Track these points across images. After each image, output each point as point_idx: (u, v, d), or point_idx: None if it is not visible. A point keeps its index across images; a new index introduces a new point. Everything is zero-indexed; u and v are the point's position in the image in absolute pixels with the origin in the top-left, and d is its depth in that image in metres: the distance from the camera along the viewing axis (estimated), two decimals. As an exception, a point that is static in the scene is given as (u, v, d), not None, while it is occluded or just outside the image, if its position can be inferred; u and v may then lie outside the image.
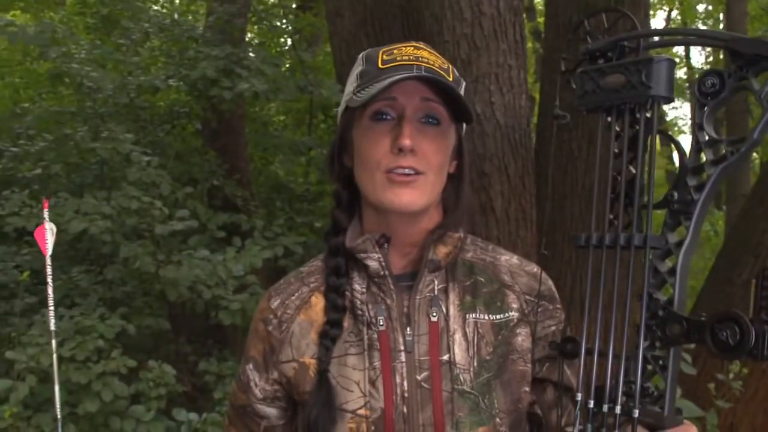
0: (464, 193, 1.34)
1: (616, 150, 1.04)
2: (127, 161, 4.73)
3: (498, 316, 1.31)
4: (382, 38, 4.49)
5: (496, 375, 1.27)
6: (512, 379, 1.29)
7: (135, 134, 5.08)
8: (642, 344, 0.96)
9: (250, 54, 5.59)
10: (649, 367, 0.98)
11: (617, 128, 1.04)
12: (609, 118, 1.04)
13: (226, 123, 6.34)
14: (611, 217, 1.02)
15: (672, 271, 0.99)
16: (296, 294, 1.35)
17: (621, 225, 1.02)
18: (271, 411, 1.38)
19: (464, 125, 1.34)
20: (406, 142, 1.21)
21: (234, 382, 1.43)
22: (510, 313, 1.32)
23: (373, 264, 1.28)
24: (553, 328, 1.34)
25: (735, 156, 0.98)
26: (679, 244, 1.00)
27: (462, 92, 1.27)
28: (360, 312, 1.28)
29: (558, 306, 1.36)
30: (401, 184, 1.22)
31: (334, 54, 5.00)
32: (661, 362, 0.97)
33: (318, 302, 1.33)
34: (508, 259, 1.39)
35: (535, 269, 1.37)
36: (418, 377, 1.25)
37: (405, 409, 1.23)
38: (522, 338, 1.31)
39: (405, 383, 1.24)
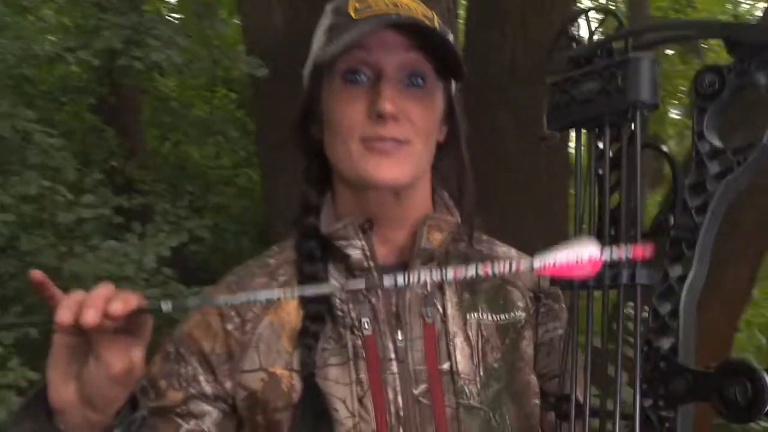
0: (461, 166, 1.17)
1: (600, 171, 0.88)
2: (25, 141, 4.32)
3: (503, 316, 1.15)
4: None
5: (506, 386, 1.11)
6: (522, 391, 1.13)
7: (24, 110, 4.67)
8: (638, 402, 0.83)
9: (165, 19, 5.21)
10: (654, 430, 0.83)
11: (598, 145, 0.89)
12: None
13: (124, 99, 5.96)
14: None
15: (674, 313, 0.84)
16: (247, 302, 1.13)
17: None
18: (210, 410, 1.12)
19: (454, 83, 1.16)
20: (387, 106, 1.04)
21: (161, 381, 1.14)
22: (516, 312, 1.16)
23: (355, 254, 1.10)
24: (560, 331, 1.18)
25: (743, 166, 0.85)
26: (682, 279, 0.85)
27: (451, 41, 1.10)
28: (340, 313, 1.10)
29: (563, 305, 1.21)
30: (382, 154, 1.05)
31: (242, 18, 4.69)
32: (667, 425, 0.83)
33: (289, 301, 1.13)
34: (506, 251, 1.24)
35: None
36: (415, 391, 1.08)
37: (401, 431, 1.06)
38: (527, 343, 1.16)
39: (399, 399, 1.07)
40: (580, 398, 0.88)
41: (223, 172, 6.24)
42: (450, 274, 0.77)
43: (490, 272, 0.76)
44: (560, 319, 1.18)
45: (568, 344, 0.93)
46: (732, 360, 0.77)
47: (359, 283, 0.97)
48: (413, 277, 0.82)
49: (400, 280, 0.81)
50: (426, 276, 0.84)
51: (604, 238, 0.88)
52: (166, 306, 0.87)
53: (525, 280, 1.19)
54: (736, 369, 0.77)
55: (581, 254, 0.74)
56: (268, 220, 4.46)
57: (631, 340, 0.84)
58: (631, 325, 0.85)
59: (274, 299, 1.11)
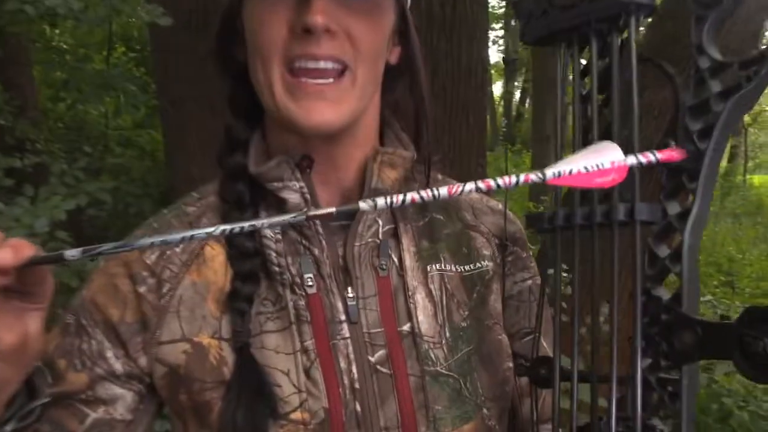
0: (418, 94, 0.99)
1: (583, 91, 0.74)
2: None
3: (468, 267, 0.99)
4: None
5: (477, 348, 0.96)
6: (494, 354, 0.97)
7: None
8: (639, 363, 0.68)
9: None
10: (654, 395, 0.71)
11: (581, 61, 0.75)
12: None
13: (11, 50, 5.50)
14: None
15: (676, 256, 0.71)
16: (182, 244, 0.96)
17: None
18: (122, 393, 0.93)
19: None
20: (317, 18, 0.84)
21: (59, 360, 0.94)
22: (483, 262, 1.01)
23: (292, 197, 0.92)
24: (529, 282, 1.04)
25: (754, 82, 0.72)
26: (684, 215, 0.72)
27: None
28: (276, 269, 0.92)
29: (530, 254, 1.06)
30: (312, 95, 0.87)
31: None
32: (670, 388, 0.70)
33: (216, 255, 0.94)
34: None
35: (500, 205, 1.07)
36: (371, 358, 0.91)
37: (358, 407, 0.89)
38: (495, 297, 1.00)
39: (353, 368, 0.90)
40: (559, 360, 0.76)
41: (123, 133, 5.90)
42: (443, 191, 0.62)
43: (481, 186, 0.62)
44: (529, 269, 1.04)
45: (544, 296, 0.80)
46: (758, 307, 0.65)
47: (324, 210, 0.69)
48: (396, 199, 0.64)
49: (381, 201, 0.64)
50: (413, 195, 0.64)
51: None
52: (71, 254, 0.67)
53: (489, 224, 1.04)
54: (764, 316, 0.64)
55: (602, 160, 0.61)
56: (172, 182, 4.22)
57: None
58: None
59: (195, 254, 0.94)
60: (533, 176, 0.61)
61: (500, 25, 18.97)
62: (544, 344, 1.00)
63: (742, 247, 10.14)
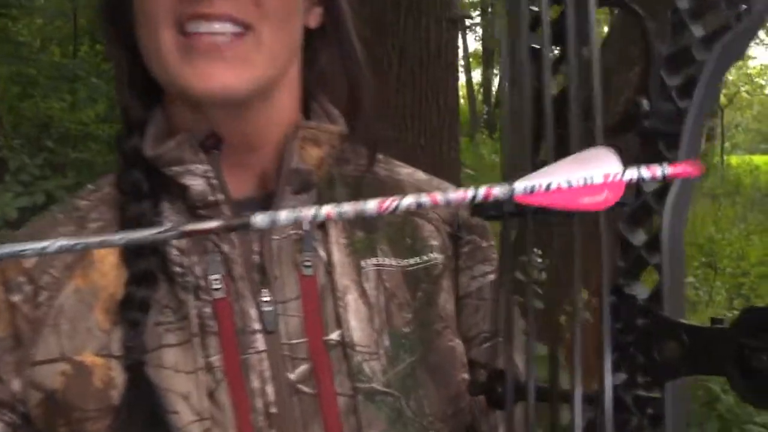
0: (347, 59, 0.85)
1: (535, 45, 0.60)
2: None
3: (412, 261, 0.84)
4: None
5: (422, 358, 0.80)
6: (444, 364, 0.82)
7: None
8: (610, 380, 0.54)
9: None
10: (632, 419, 0.55)
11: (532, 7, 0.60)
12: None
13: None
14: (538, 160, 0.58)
15: (654, 244, 0.56)
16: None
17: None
18: None
19: None
20: None
21: None
22: (430, 254, 0.85)
23: (195, 183, 0.77)
24: (491, 277, 0.88)
25: (743, 23, 0.57)
26: (662, 193, 0.57)
27: None
28: (178, 269, 0.77)
29: (492, 243, 0.90)
30: (206, 53, 0.72)
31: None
32: (650, 410, 0.55)
33: (106, 255, 0.79)
34: (411, 173, 0.92)
35: (453, 188, 0.90)
36: (291, 375, 0.76)
37: None
38: (446, 296, 0.85)
39: (269, 389, 0.75)
40: (520, 375, 0.60)
41: (86, 128, 5.68)
42: (372, 205, 0.43)
43: (424, 201, 0.44)
44: (491, 261, 0.88)
45: (501, 294, 0.65)
46: (758, 308, 0.50)
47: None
48: (306, 213, 0.46)
49: (283, 216, 0.45)
50: (328, 210, 0.47)
51: (545, 138, 0.59)
52: None
53: (439, 209, 0.88)
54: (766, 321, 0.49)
55: (591, 172, 0.45)
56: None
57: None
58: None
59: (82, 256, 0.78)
60: (498, 191, 0.45)
61: (477, 12, 18.79)
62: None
63: (722, 227, 10.06)
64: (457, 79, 3.48)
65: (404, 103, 3.40)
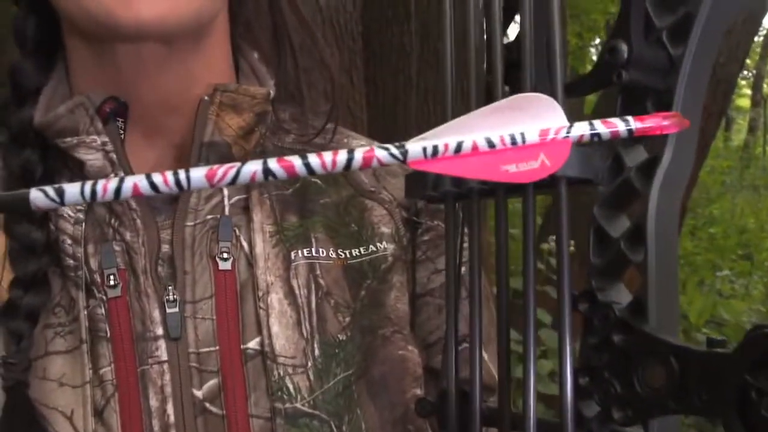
0: (279, 9, 0.71)
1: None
2: None
3: (355, 252, 0.70)
4: None
5: (362, 371, 0.67)
6: (389, 377, 0.68)
7: None
8: (569, 411, 0.40)
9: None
10: (604, 468, 0.41)
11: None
12: None
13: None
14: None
15: (637, 234, 0.42)
16: None
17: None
18: None
19: None
20: None
21: None
22: (378, 244, 0.71)
23: (91, 158, 0.65)
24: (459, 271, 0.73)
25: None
26: (649, 166, 0.42)
27: None
28: (70, 262, 0.64)
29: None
30: None
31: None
32: (629, 456, 0.41)
33: None
34: (364, 146, 0.76)
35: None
36: (197, 392, 0.63)
37: None
38: (397, 294, 0.71)
39: (169, 408, 0.61)
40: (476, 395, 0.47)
41: None
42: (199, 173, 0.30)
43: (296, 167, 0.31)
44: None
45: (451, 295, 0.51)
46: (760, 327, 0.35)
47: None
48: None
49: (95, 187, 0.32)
50: (135, 180, 0.32)
51: (496, 95, 0.45)
52: None
53: (395, 190, 0.73)
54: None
55: (521, 127, 0.31)
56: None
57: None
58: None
59: None
60: (383, 154, 0.31)
61: None
62: (486, 357, 0.69)
63: (762, 219, 9.73)
64: (483, 60, 3.33)
65: (426, 87, 3.26)
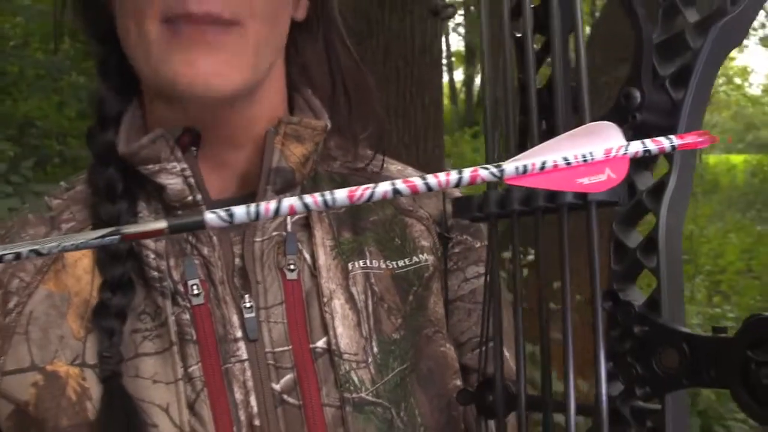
0: (333, 51, 0.80)
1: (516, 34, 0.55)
2: None
3: (401, 263, 0.78)
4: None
5: (414, 366, 0.75)
6: (435, 370, 0.76)
7: None
8: (604, 391, 0.49)
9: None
10: (629, 431, 0.50)
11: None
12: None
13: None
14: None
15: (650, 245, 0.51)
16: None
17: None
18: None
19: None
20: None
21: None
22: (421, 255, 0.79)
23: (172, 183, 0.72)
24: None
25: (739, 5, 0.52)
26: (658, 190, 0.52)
27: None
28: (155, 274, 0.72)
29: (485, 243, 0.83)
30: (194, 44, 0.67)
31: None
32: (650, 423, 0.50)
33: (80, 257, 0.74)
34: (401, 170, 0.85)
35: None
36: (276, 386, 0.70)
37: None
38: (435, 299, 0.79)
39: (252, 400, 0.70)
40: (511, 383, 0.56)
41: (72, 125, 5.55)
42: (341, 195, 0.37)
43: (401, 188, 0.39)
44: (484, 262, 0.79)
45: (489, 298, 0.60)
46: (764, 318, 0.45)
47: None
48: (265, 209, 0.39)
49: (241, 212, 0.38)
50: (291, 203, 0.40)
51: (531, 132, 0.54)
52: None
53: (430, 208, 0.82)
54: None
55: (591, 148, 0.39)
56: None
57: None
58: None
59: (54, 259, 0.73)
60: (485, 173, 0.39)
61: (461, 11, 18.73)
62: (507, 355, 0.75)
63: (700, 225, 10.05)
64: (441, 77, 3.43)
65: (388, 102, 3.35)
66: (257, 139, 0.75)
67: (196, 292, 0.71)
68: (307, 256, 0.74)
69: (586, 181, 0.41)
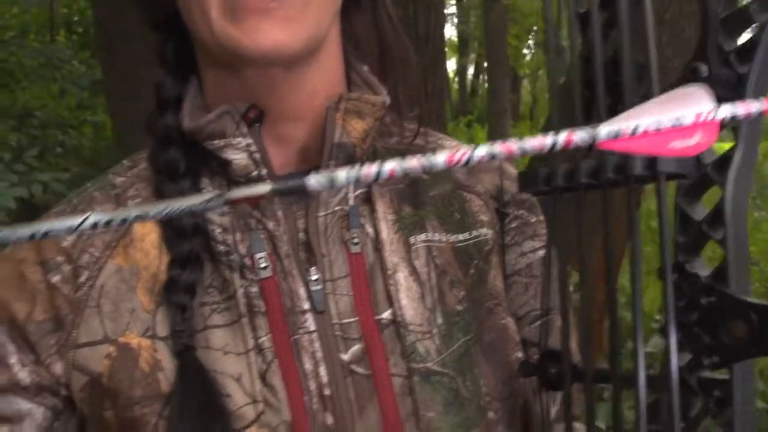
0: (382, 26, 0.79)
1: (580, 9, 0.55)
2: None
3: (461, 236, 0.78)
4: None
5: (476, 337, 0.75)
6: (497, 342, 0.77)
7: None
8: (675, 361, 0.49)
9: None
10: (696, 401, 0.51)
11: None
12: None
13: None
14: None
15: (716, 217, 0.52)
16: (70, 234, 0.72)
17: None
18: (30, 409, 0.72)
19: None
20: None
21: None
22: (480, 229, 0.79)
23: (238, 157, 0.72)
24: (542, 253, 0.82)
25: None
26: (723, 163, 0.52)
27: None
28: (222, 248, 0.72)
29: (541, 218, 0.83)
30: (256, 13, 0.66)
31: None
32: (717, 392, 0.51)
33: (146, 233, 0.75)
34: (455, 145, 0.85)
35: (498, 162, 0.85)
36: (344, 356, 0.71)
37: (329, 419, 0.69)
38: (494, 273, 0.79)
39: (322, 370, 0.70)
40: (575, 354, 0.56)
41: (74, 115, 5.54)
42: (440, 158, 0.37)
43: (498, 151, 0.38)
44: (540, 237, 0.82)
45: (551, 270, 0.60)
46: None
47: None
48: (366, 171, 0.38)
49: (342, 175, 0.37)
50: (391, 166, 0.39)
51: (597, 108, 0.54)
52: None
53: (487, 183, 0.82)
54: None
55: (682, 112, 0.40)
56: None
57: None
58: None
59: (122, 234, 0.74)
60: (579, 136, 0.39)
61: (453, 1, 18.68)
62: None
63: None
64: (445, 66, 3.42)
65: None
66: (317, 114, 0.75)
67: (263, 265, 0.71)
68: (370, 230, 0.75)
69: (677, 144, 0.41)
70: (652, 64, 0.52)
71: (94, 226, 0.36)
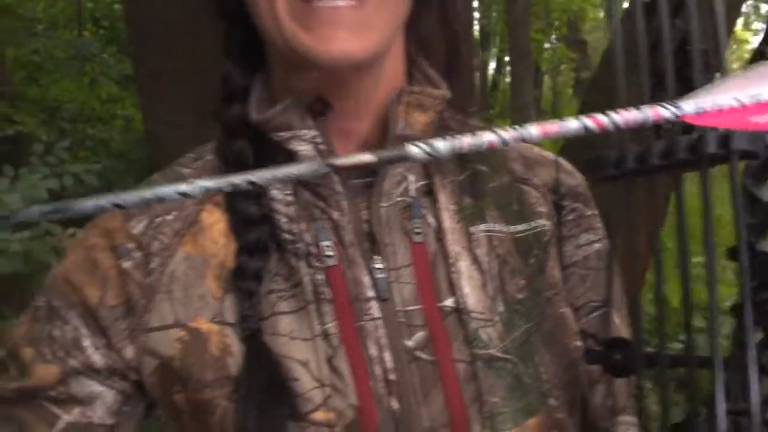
0: (448, 24, 0.81)
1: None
2: None
3: (521, 227, 0.80)
4: None
5: (536, 325, 0.76)
6: (556, 331, 0.78)
7: None
8: (751, 342, 0.50)
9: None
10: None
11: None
12: None
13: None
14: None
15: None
16: (175, 210, 0.77)
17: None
18: (102, 391, 0.74)
19: None
20: None
21: (26, 349, 0.75)
22: (539, 221, 0.81)
23: (303, 149, 0.73)
24: (597, 246, 0.83)
25: None
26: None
27: None
28: (288, 237, 0.74)
29: (596, 211, 0.84)
30: (329, 22, 0.68)
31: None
32: (789, 371, 0.51)
33: (214, 222, 0.77)
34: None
35: (553, 156, 0.86)
36: (408, 342, 0.72)
37: (395, 404, 0.70)
38: (552, 264, 0.81)
39: (387, 356, 0.72)
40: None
41: (104, 107, 5.58)
42: (534, 130, 0.39)
43: (588, 123, 0.39)
44: (596, 229, 0.83)
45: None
46: None
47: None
48: (463, 142, 0.42)
49: (441, 145, 0.42)
50: (490, 138, 0.42)
51: (665, 90, 0.55)
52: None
53: (544, 176, 0.83)
54: None
55: (760, 89, 0.40)
56: (152, 158, 3.98)
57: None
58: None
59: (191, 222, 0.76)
60: (665, 111, 0.40)
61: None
62: (616, 320, 0.81)
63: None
64: (472, 56, 3.42)
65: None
66: (379, 109, 0.76)
67: (329, 253, 0.73)
68: (432, 221, 0.76)
69: (758, 119, 0.42)
70: (722, 47, 0.52)
71: (206, 190, 0.38)
